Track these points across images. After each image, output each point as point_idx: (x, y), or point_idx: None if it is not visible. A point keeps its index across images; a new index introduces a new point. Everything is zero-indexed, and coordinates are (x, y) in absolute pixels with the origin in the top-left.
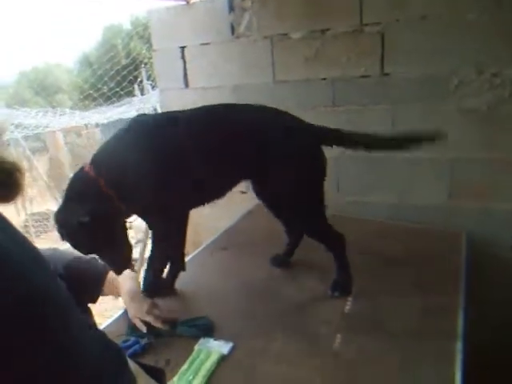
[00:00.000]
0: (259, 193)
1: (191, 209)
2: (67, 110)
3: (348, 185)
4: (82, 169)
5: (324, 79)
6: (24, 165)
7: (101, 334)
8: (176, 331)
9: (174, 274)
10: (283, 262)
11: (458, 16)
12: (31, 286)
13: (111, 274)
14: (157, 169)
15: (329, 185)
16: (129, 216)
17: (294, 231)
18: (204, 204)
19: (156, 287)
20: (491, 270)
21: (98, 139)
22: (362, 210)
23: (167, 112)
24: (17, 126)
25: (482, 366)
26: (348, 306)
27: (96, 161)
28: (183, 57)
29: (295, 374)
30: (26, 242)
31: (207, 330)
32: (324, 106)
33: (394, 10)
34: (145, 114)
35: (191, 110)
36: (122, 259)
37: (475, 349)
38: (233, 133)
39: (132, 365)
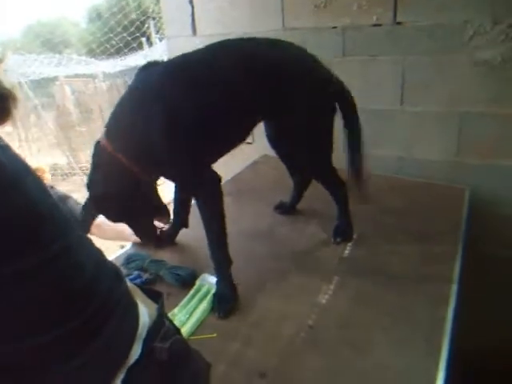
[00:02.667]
0: (273, 133)
1: (214, 161)
2: (74, 57)
3: None
4: (98, 143)
5: (334, 28)
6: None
7: (99, 251)
8: (160, 273)
9: (176, 229)
10: (288, 209)
11: None
12: (28, 197)
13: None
14: (177, 121)
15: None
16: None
17: (300, 178)
18: (223, 154)
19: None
20: (496, 228)
21: (104, 91)
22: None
23: (176, 57)
24: (22, 74)
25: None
26: (347, 251)
27: (110, 132)
28: (191, 2)
29: (291, 310)
30: (24, 162)
31: (185, 282)
32: (334, 56)
33: None
34: (151, 63)
35: (199, 50)
36: (148, 231)
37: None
38: (254, 68)
39: (129, 284)
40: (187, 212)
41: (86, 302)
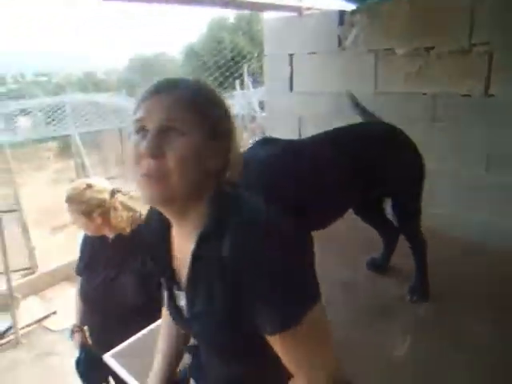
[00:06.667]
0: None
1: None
2: None
3: (437, 198)
4: None
5: (424, 94)
6: None
7: None
8: None
9: None
10: (380, 266)
11: None
12: None
13: None
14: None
15: None
16: None
17: (390, 239)
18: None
19: None
20: None
21: None
22: (450, 223)
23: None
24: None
25: None
26: (423, 310)
27: None
28: (291, 63)
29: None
30: None
31: None
32: (423, 120)
33: (505, 29)
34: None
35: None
36: None
37: None
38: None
39: None
40: None
41: None
